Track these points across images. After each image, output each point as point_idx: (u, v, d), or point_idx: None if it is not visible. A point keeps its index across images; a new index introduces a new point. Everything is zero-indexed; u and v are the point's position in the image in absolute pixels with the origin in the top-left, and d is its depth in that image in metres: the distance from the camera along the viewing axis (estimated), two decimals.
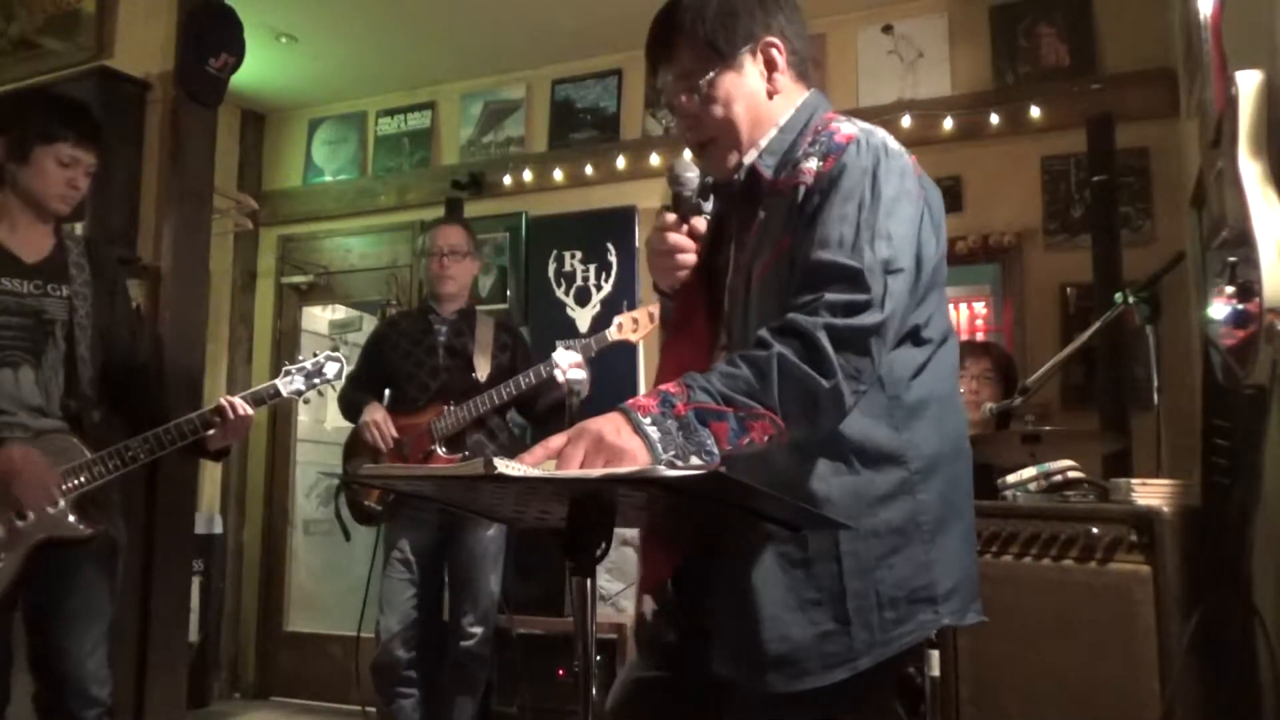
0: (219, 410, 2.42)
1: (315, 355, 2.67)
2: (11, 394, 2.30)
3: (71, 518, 2.29)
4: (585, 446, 1.14)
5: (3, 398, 2.29)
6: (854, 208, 1.30)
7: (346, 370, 2.77)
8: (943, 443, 1.37)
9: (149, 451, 2.38)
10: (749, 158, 1.46)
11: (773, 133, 1.46)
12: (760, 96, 1.45)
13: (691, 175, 1.53)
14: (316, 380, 2.65)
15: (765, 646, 1.29)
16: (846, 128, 1.38)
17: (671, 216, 1.53)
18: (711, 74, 1.42)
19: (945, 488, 1.36)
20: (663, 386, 1.21)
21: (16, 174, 2.38)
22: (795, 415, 1.21)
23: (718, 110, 1.43)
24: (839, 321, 1.23)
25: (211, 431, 2.42)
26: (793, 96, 1.48)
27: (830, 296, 1.25)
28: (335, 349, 2.71)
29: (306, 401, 2.74)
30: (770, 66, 1.45)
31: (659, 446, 1.14)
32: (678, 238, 1.51)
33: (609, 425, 1.15)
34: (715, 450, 1.17)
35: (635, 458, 1.13)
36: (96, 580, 2.36)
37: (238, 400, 2.45)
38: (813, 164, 1.36)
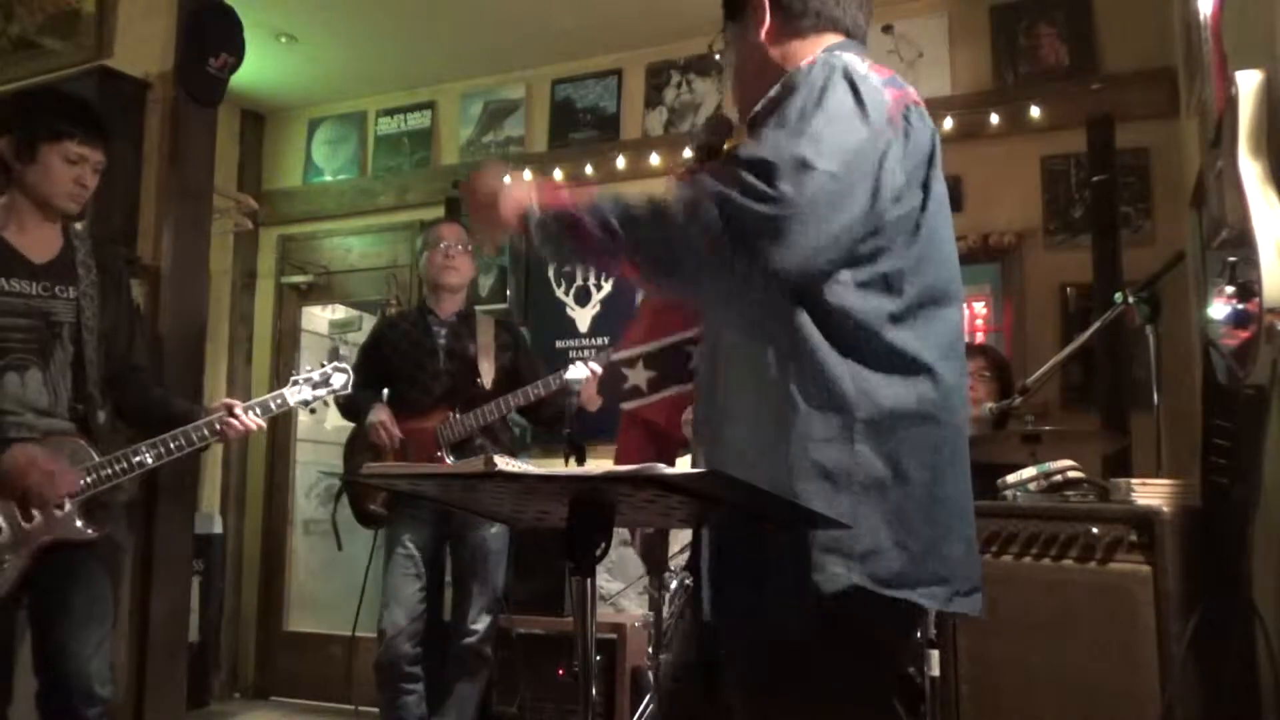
0: (226, 423, 2.45)
1: (323, 366, 2.71)
2: (18, 396, 2.30)
3: (78, 521, 2.30)
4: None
5: (10, 400, 2.29)
6: (793, 113, 1.26)
7: (353, 381, 2.79)
8: (907, 402, 1.27)
9: (157, 457, 2.39)
10: None
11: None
12: (754, 51, 1.48)
13: (704, 129, 1.65)
14: (323, 391, 2.69)
15: (712, 592, 1.35)
16: (820, 56, 1.37)
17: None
18: (727, 24, 1.53)
19: (896, 449, 1.26)
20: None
21: (24, 173, 2.38)
22: (647, 253, 1.27)
23: (728, 60, 1.55)
24: (738, 197, 1.19)
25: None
26: (803, 54, 1.43)
27: (744, 175, 1.19)
28: (338, 354, 2.73)
29: (313, 412, 2.76)
30: (758, 23, 1.46)
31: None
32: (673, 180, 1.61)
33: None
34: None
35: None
36: (100, 581, 2.36)
37: (248, 416, 2.48)
38: (773, 90, 1.38)
